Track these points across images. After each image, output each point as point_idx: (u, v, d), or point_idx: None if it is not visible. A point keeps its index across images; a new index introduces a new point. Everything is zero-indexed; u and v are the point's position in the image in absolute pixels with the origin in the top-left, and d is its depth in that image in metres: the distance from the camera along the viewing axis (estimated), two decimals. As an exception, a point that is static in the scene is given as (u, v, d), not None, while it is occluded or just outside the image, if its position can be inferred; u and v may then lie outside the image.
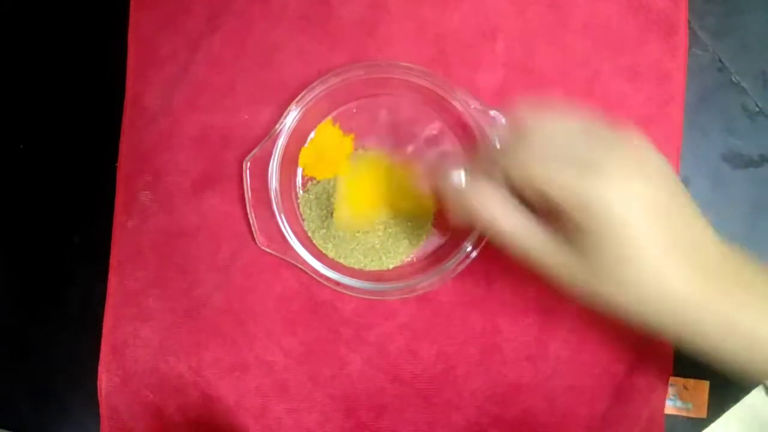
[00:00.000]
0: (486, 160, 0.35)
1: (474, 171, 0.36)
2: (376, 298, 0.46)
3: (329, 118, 0.49)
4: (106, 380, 0.48)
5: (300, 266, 0.45)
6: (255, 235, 0.46)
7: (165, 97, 0.50)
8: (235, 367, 0.48)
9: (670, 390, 0.47)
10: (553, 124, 0.32)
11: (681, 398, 0.47)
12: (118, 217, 0.49)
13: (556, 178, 0.29)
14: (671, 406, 0.46)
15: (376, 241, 0.47)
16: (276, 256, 0.46)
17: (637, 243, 0.29)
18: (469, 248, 0.44)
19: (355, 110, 0.49)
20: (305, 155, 0.49)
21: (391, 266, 0.48)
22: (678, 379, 0.46)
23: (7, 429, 0.50)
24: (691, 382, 0.47)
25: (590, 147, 0.30)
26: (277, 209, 0.45)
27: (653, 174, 0.30)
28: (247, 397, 0.47)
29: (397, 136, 0.49)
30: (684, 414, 0.46)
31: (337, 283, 0.45)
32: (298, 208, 0.48)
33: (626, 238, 0.29)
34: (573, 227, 0.30)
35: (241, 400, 0.47)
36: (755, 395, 0.47)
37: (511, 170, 0.31)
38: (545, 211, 0.32)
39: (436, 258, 0.47)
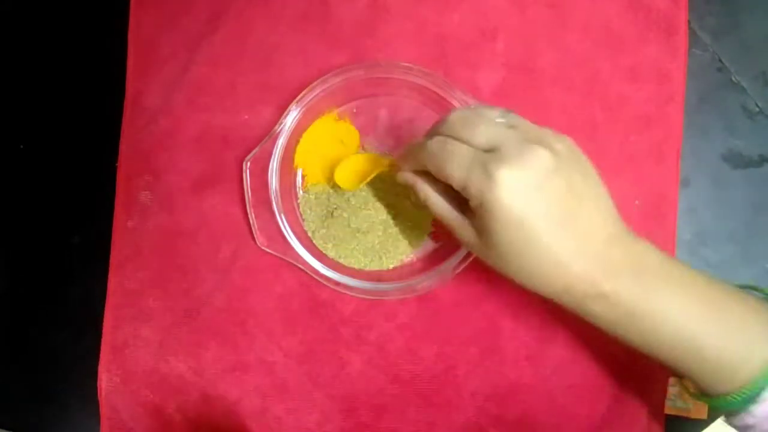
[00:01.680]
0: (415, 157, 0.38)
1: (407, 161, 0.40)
2: (376, 298, 0.46)
3: (327, 115, 0.49)
4: (106, 380, 0.48)
5: (300, 266, 0.45)
6: (255, 235, 0.46)
7: (165, 97, 0.50)
8: (235, 367, 0.48)
9: (671, 390, 0.47)
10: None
11: (681, 398, 0.46)
12: (118, 217, 0.49)
13: (466, 185, 0.33)
14: (671, 407, 0.46)
15: (376, 242, 0.47)
16: (276, 256, 0.46)
17: (529, 232, 0.32)
18: (469, 248, 0.44)
19: (355, 110, 0.49)
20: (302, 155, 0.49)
21: (390, 266, 0.48)
22: (678, 379, 0.46)
23: (7, 429, 0.50)
24: (691, 383, 0.47)
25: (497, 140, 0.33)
26: (277, 209, 0.45)
27: (542, 171, 0.32)
28: (247, 397, 0.47)
29: (397, 136, 0.49)
30: (684, 414, 0.46)
31: (337, 283, 0.45)
32: (298, 208, 0.48)
33: (518, 228, 0.32)
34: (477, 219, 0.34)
35: (241, 400, 0.47)
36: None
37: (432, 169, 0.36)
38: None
39: (436, 258, 0.47)
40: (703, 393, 0.37)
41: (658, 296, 0.34)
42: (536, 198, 0.32)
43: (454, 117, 0.36)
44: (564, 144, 0.35)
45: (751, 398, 0.34)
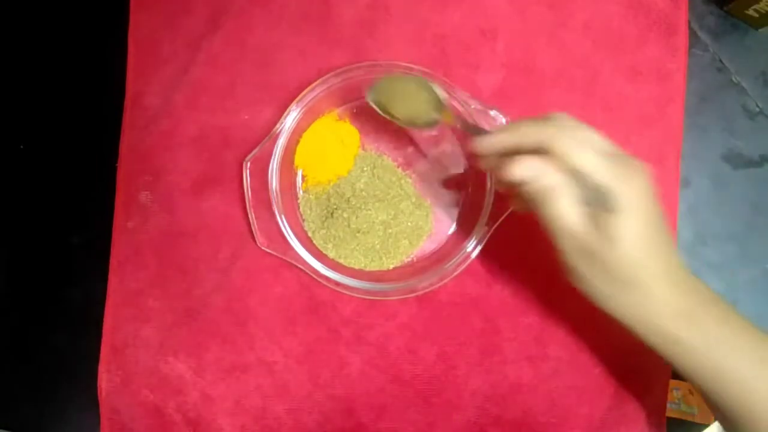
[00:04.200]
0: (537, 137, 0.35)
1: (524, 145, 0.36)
2: (376, 298, 0.46)
3: (327, 115, 0.49)
4: (106, 380, 0.48)
5: (300, 266, 0.45)
6: (255, 236, 0.46)
7: (165, 97, 0.50)
8: (235, 367, 0.48)
9: (676, 394, 0.46)
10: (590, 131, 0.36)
11: (686, 402, 0.46)
12: (118, 218, 0.49)
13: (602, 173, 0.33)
14: (675, 410, 0.46)
15: (376, 242, 0.47)
16: (276, 256, 0.46)
17: (640, 270, 0.34)
18: (469, 248, 0.44)
19: (355, 110, 0.49)
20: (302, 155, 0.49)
21: (391, 266, 0.48)
22: (683, 383, 0.46)
23: (7, 429, 0.50)
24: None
25: (615, 168, 0.34)
26: (277, 209, 0.45)
27: (650, 211, 0.34)
28: (247, 397, 0.47)
29: (398, 136, 0.49)
30: (689, 419, 0.46)
31: (337, 284, 0.45)
32: (298, 208, 0.48)
33: (630, 266, 0.34)
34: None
35: (241, 400, 0.47)
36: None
37: (573, 150, 0.34)
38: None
39: (436, 258, 0.47)
40: None
41: (724, 331, 0.36)
42: (645, 235, 0.34)
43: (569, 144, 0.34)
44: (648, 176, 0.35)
45: None
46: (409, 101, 0.44)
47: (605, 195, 0.33)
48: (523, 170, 0.34)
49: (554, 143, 0.34)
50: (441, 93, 0.42)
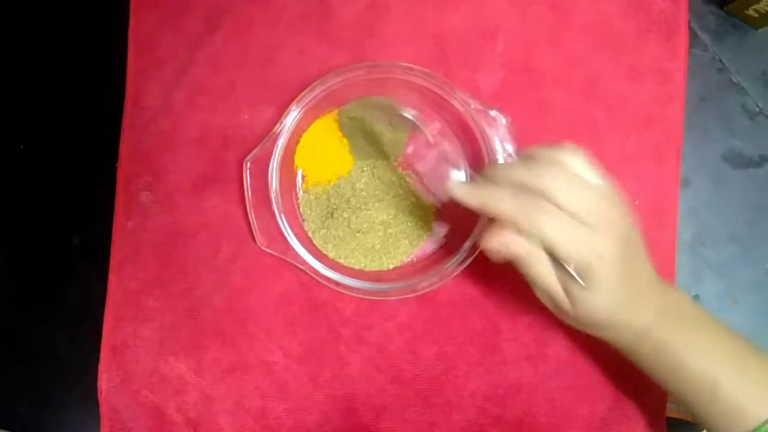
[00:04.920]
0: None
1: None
2: (376, 298, 0.46)
3: (327, 115, 0.49)
4: (106, 380, 0.48)
5: (300, 266, 0.45)
6: (255, 236, 0.46)
7: (165, 97, 0.50)
8: (235, 367, 0.48)
9: (675, 394, 0.47)
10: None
11: None
12: (118, 218, 0.49)
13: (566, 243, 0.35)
14: (675, 410, 0.46)
15: (376, 242, 0.47)
16: (276, 256, 0.46)
17: (608, 324, 0.38)
18: (469, 248, 0.44)
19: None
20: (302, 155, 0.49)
21: (391, 266, 0.48)
22: None
23: (7, 429, 0.50)
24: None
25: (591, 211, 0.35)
26: (277, 209, 0.45)
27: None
28: (247, 397, 0.47)
29: (397, 136, 0.49)
30: (689, 419, 0.46)
31: (337, 284, 0.45)
32: (298, 208, 0.48)
33: (598, 325, 0.38)
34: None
35: (241, 400, 0.47)
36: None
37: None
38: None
39: (436, 258, 0.47)
40: None
41: (687, 334, 0.38)
42: (621, 267, 0.35)
43: (559, 187, 0.34)
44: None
45: None
46: (370, 142, 0.48)
47: (573, 269, 0.35)
48: (496, 245, 0.36)
49: (519, 220, 0.35)
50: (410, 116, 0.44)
